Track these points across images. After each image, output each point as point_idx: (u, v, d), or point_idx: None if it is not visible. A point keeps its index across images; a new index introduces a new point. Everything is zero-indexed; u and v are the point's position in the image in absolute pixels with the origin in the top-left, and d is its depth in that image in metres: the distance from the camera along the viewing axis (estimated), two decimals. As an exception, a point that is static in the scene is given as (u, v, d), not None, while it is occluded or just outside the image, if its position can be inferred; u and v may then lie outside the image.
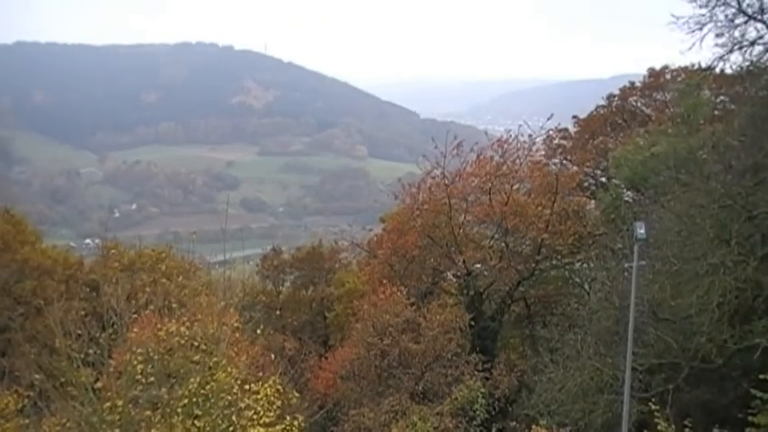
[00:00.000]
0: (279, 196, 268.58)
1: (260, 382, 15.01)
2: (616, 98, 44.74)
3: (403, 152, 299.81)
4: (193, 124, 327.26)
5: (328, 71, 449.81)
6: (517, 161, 34.62)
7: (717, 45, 22.12)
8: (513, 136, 34.78)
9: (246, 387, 14.61)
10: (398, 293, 29.02)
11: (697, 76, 33.49)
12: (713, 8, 21.77)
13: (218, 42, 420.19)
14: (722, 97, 36.69)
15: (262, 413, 14.29)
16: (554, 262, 34.48)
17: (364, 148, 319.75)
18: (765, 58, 21.89)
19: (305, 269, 47.76)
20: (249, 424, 13.97)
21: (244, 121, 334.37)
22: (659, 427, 14.86)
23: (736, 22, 21.68)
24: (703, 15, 21.91)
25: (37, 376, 14.38)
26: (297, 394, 16.50)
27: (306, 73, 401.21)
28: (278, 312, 43.92)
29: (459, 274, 33.16)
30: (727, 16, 21.75)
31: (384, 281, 31.41)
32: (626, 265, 22.05)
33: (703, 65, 31.18)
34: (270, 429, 14.31)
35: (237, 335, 16.97)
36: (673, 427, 14.88)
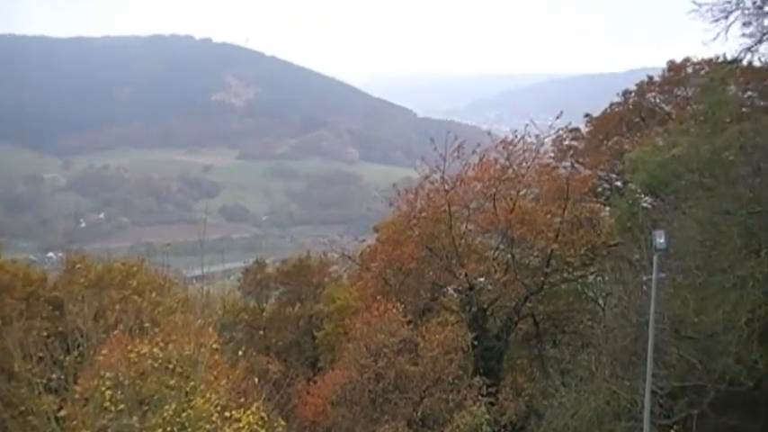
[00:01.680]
0: (262, 204, 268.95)
1: (242, 409, 14.93)
2: (632, 94, 44.71)
3: (398, 155, 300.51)
4: (168, 124, 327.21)
5: (315, 66, 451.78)
6: (524, 164, 34.68)
7: (744, 35, 21.83)
8: (519, 136, 34.90)
9: (227, 414, 14.53)
10: (394, 310, 28.98)
11: (722, 70, 33.33)
12: (740, -6, 21.46)
13: (194, 35, 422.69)
14: (750, 93, 36.66)
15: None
16: (565, 275, 34.50)
17: (355, 150, 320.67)
18: (798, 49, 21.68)
19: (291, 284, 47.67)
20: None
21: (223, 121, 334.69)
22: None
23: (766, 9, 21.42)
24: (729, 2, 21.47)
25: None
26: (283, 422, 16.44)
27: (291, 68, 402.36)
28: (262, 332, 43.79)
29: (460, 288, 33.18)
30: (755, 3, 21.40)
31: (378, 297, 31.39)
32: (644, 277, 21.99)
33: (729, 57, 31.00)
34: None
35: (217, 357, 16.89)
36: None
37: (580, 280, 35.10)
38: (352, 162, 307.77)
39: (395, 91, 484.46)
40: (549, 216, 32.67)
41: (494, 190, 33.16)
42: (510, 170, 34.04)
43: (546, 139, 38.03)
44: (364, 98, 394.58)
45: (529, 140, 35.09)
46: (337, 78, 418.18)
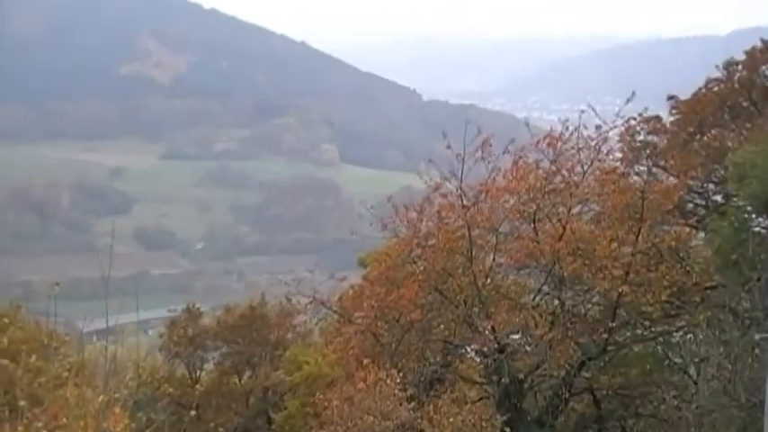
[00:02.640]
0: (196, 224, 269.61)
1: None
2: (740, 67, 44.73)
3: (395, 154, 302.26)
4: (55, 107, 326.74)
5: (277, 25, 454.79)
6: (578, 169, 34.73)
7: None
8: (571, 128, 34.90)
9: None
10: (389, 381, 28.85)
11: None
12: None
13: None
14: None
15: None
16: (639, 331, 34.42)
17: (334, 147, 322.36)
18: None
19: (238, 342, 47.62)
20: None
21: (139, 103, 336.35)
22: None
23: None
24: None
25: None
26: None
27: (240, 27, 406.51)
28: (194, 412, 43.55)
29: (485, 350, 33.04)
30: None
31: (366, 361, 31.19)
32: (757, 336, 21.99)
33: None
34: None
35: (128, 451, 16.74)
36: None
37: (661, 339, 35.00)
38: (328, 164, 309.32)
39: (391, 62, 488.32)
40: (615, 245, 32.61)
41: (534, 207, 33.11)
42: (558, 178, 34.07)
43: (611, 133, 37.94)
44: (347, 72, 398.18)
45: (586, 134, 35.14)
46: (309, 43, 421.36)
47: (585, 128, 35.03)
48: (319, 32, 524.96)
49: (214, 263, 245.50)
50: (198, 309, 51.03)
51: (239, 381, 46.98)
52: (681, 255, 34.79)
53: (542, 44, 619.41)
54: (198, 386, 47.60)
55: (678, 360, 34.28)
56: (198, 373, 48.69)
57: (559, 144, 34.53)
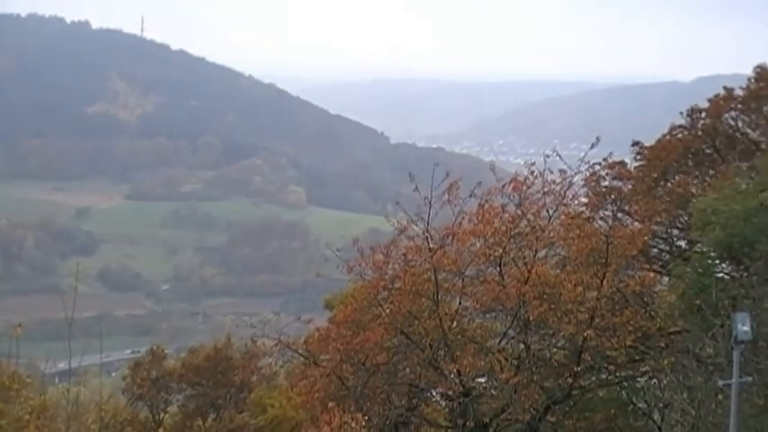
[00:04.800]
0: (162, 265, 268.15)
1: None
2: (703, 114, 45.10)
3: (362, 197, 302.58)
4: (21, 147, 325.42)
5: (243, 66, 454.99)
6: (544, 213, 34.83)
7: None
8: (537, 173, 35.01)
9: None
10: (353, 425, 28.68)
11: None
12: None
13: (65, 17, 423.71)
14: None
15: None
16: (604, 376, 34.43)
17: (301, 189, 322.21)
18: None
19: (202, 385, 47.28)
20: None
21: (106, 144, 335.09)
22: None
23: None
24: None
25: None
26: None
27: (207, 68, 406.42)
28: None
29: (450, 393, 32.93)
30: None
31: (331, 404, 31.02)
32: (720, 382, 22.02)
33: None
34: None
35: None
36: None
37: (626, 384, 35.05)
38: (295, 206, 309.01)
39: (359, 104, 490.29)
40: (580, 289, 32.64)
41: (500, 250, 33.12)
42: (524, 222, 34.13)
43: (576, 178, 38.11)
44: (315, 114, 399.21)
45: (552, 178, 35.28)
46: (277, 85, 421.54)
47: (551, 172, 35.14)
48: (288, 73, 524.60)
49: (179, 304, 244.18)
50: (162, 350, 50.68)
51: (203, 424, 46.58)
52: (645, 300, 34.93)
53: (507, 87, 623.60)
54: (161, 429, 47.22)
55: (642, 405, 34.42)
56: (161, 416, 48.27)
57: (525, 188, 34.58)
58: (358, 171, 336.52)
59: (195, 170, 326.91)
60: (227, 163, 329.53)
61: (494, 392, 33.48)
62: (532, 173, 34.87)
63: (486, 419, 32.57)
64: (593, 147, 37.83)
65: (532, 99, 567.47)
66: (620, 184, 45.04)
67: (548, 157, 35.81)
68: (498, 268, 33.46)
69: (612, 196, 44.44)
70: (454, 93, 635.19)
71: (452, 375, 32.08)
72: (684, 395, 25.14)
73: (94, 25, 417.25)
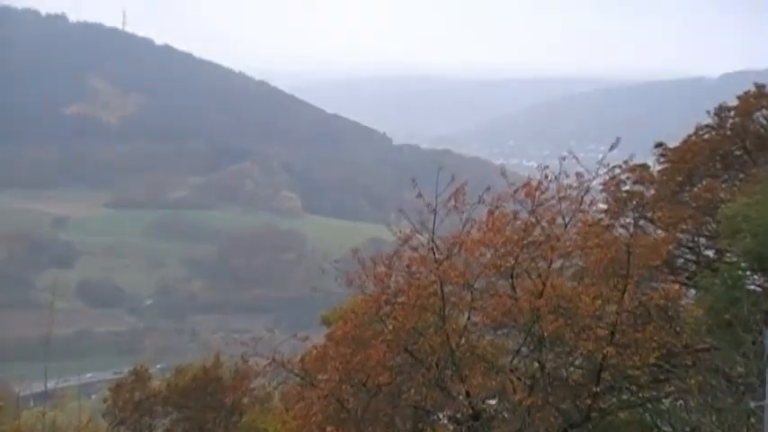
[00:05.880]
0: (146, 278, 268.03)
1: None
2: (732, 112, 44.92)
3: (362, 204, 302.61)
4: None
5: (234, 62, 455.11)
6: (559, 221, 34.82)
7: None
8: (552, 177, 34.99)
9: None
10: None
11: None
12: None
13: (39, 9, 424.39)
14: None
15: None
16: (625, 396, 34.36)
17: (296, 195, 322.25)
18: None
19: (190, 407, 47.23)
20: None
21: (86, 148, 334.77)
22: None
23: None
24: None
25: None
26: None
27: (194, 64, 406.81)
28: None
29: (459, 416, 32.94)
30: None
31: (329, 428, 31.07)
32: (752, 404, 21.98)
33: None
34: None
35: None
36: None
37: (649, 405, 34.94)
38: (290, 213, 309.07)
39: (359, 103, 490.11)
40: (599, 303, 32.64)
41: (512, 261, 33.12)
42: (537, 230, 34.13)
43: (594, 182, 38.09)
44: (311, 114, 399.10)
45: (567, 183, 35.27)
46: (269, 82, 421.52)
47: (567, 176, 35.10)
48: (280, 69, 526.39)
49: (165, 321, 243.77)
50: (146, 370, 50.58)
51: (192, 450, 46.60)
52: (670, 314, 34.77)
53: (520, 85, 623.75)
54: (145, 456, 47.20)
55: (667, 429, 34.30)
56: (146, 442, 48.25)
57: (538, 193, 34.53)
58: (357, 175, 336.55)
59: (182, 175, 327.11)
60: (217, 167, 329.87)
61: (506, 415, 33.47)
62: (547, 177, 34.79)
63: (499, 444, 32.60)
64: (612, 148, 37.59)
65: (547, 97, 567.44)
66: (641, 188, 44.88)
67: (563, 159, 35.61)
68: (510, 280, 33.44)
69: (634, 202, 44.29)
70: (461, 90, 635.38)
71: (461, 396, 32.09)
72: (713, 418, 25.09)
73: (72, 18, 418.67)
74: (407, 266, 34.21)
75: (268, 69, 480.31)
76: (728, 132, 44.36)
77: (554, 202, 34.76)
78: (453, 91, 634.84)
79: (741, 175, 41.79)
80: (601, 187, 41.22)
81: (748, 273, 33.23)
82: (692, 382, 30.38)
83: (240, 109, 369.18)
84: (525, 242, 33.51)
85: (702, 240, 41.94)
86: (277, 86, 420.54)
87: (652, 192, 44.50)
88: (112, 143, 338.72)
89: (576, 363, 34.34)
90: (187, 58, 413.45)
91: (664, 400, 34.80)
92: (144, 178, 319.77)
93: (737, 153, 43.96)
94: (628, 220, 42.22)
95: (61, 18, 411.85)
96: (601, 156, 38.32)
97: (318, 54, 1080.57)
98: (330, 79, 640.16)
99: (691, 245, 42.50)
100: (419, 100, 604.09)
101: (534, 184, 34.85)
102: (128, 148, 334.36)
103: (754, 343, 23.85)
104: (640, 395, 34.55)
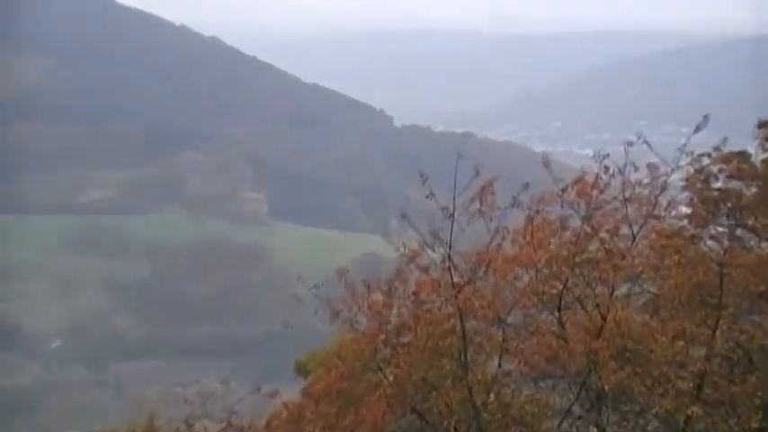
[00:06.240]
0: (52, 310, 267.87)
1: None
2: None
3: (352, 207, 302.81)
4: None
5: (174, 13, 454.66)
6: (625, 231, 34.81)
7: None
8: (614, 169, 34.98)
9: None
10: None
11: None
12: None
13: None
14: None
15: None
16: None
17: (261, 196, 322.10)
18: None
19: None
20: None
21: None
22: None
23: None
24: None
25: None
26: None
27: (118, 14, 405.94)
28: None
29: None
30: None
31: None
32: None
33: None
34: None
35: None
36: None
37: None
38: (253, 220, 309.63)
39: (347, 69, 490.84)
40: (680, 344, 32.62)
41: (559, 286, 33.13)
42: (595, 243, 34.12)
43: (673, 177, 38.13)
44: (282, 83, 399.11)
45: (636, 178, 35.27)
46: (223, 39, 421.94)
47: (636, 168, 35.12)
48: (243, 26, 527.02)
49: (78, 369, 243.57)
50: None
51: None
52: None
53: (571, 42, 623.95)
54: None
55: None
56: None
57: (596, 193, 34.56)
58: (345, 168, 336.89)
59: (102, 170, 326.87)
60: (151, 158, 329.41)
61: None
62: (607, 169, 34.83)
63: None
64: (698, 130, 37.44)
65: (607, 59, 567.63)
66: (739, 185, 44.90)
67: (630, 145, 35.66)
68: (557, 313, 33.45)
69: (728, 204, 44.31)
70: (487, 51, 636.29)
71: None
72: None
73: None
74: (414, 293, 34.15)
75: (222, 22, 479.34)
76: None
77: (618, 204, 34.81)
78: (476, 51, 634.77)
79: None
80: (682, 184, 41.22)
81: None
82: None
83: (183, 77, 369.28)
84: (578, 260, 33.49)
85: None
86: (235, 46, 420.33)
87: (754, 190, 44.43)
88: (6, 125, 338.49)
89: (650, 427, 34.30)
90: (108, 5, 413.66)
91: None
92: (50, 174, 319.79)
93: None
94: (720, 230, 42.24)
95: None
96: (683, 140, 38.40)
97: (290, 2, 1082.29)
98: (306, 36, 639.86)
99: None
100: (430, 65, 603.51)
101: (590, 179, 34.84)
102: (27, 131, 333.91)
103: None
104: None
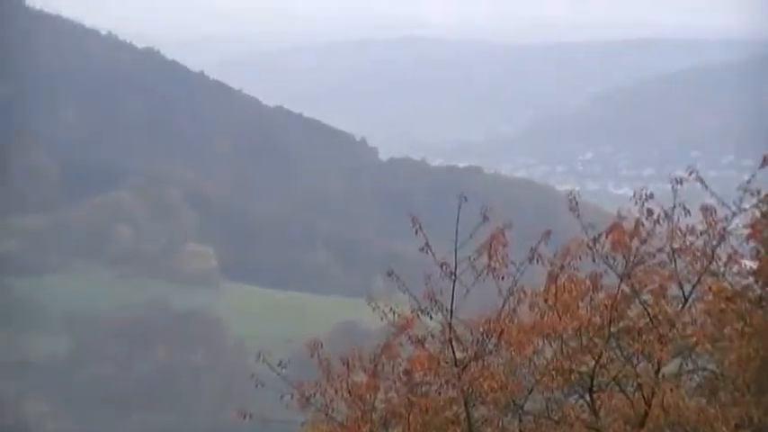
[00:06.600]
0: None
1: None
2: None
3: (325, 263, 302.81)
4: None
5: (96, 17, 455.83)
6: (674, 291, 34.81)
7: None
8: (659, 214, 34.97)
9: None
10: None
11: None
12: None
13: None
14: None
15: None
16: None
17: (210, 249, 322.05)
18: None
19: None
20: None
21: None
22: None
23: None
24: None
25: None
26: None
27: (25, 18, 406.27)
28: None
29: None
30: None
31: None
32: None
33: None
34: None
35: None
36: None
37: None
38: (199, 281, 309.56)
39: (318, 87, 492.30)
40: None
41: (591, 362, 33.12)
42: (635, 308, 34.11)
43: (735, 222, 38.10)
44: (236, 106, 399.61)
45: (687, 224, 35.29)
46: (160, 51, 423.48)
47: (687, 212, 35.12)
48: (178, 34, 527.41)
49: None
50: None
51: None
52: None
53: (597, 55, 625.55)
54: None
55: None
56: None
57: (636, 243, 34.53)
58: (316, 212, 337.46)
59: (6, 215, 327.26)
60: (68, 200, 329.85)
61: None
62: (650, 213, 34.80)
63: None
64: (765, 164, 37.47)
65: (648, 72, 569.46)
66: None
67: (679, 183, 35.62)
68: (588, 396, 33.43)
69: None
70: (496, 64, 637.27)
71: None
72: None
73: None
74: (406, 373, 34.12)
75: (161, 33, 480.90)
76: None
77: (664, 258, 34.80)
78: (481, 65, 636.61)
79: None
80: (747, 231, 41.14)
81: None
82: None
83: (108, 97, 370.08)
84: (614, 329, 33.47)
85: None
86: (177, 60, 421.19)
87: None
88: None
89: None
90: (16, 6, 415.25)
91: None
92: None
93: None
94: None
95: None
96: (746, 176, 38.33)
97: (249, 4, 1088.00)
98: (267, 48, 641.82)
99: None
100: (424, 81, 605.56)
101: (629, 226, 34.81)
102: None
103: None
104: None
